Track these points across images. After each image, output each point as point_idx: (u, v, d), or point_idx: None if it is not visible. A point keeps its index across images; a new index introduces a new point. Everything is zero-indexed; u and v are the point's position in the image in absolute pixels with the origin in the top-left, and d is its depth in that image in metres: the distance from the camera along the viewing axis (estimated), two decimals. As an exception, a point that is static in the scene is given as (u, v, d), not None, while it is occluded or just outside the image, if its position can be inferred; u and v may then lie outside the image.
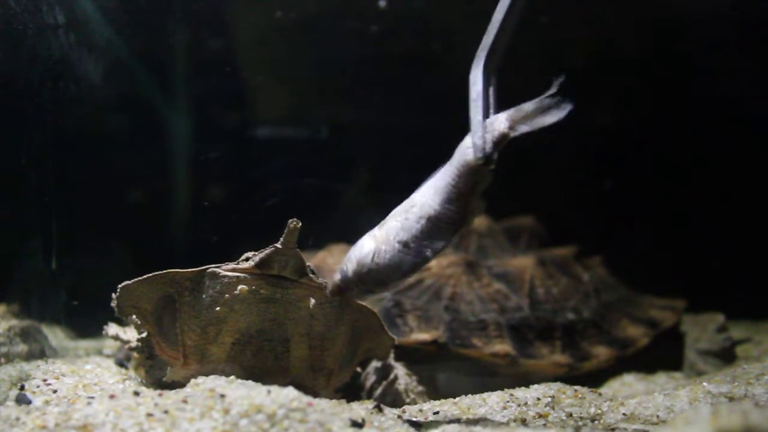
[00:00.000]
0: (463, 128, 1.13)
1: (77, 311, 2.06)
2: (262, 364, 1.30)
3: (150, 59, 2.38)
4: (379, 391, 1.58)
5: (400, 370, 1.65)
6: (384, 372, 1.60)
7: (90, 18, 2.09)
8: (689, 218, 2.58)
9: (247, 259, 1.30)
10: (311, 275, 1.31)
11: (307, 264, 1.31)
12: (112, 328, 1.68)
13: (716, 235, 2.53)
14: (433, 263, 1.88)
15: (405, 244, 1.14)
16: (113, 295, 1.40)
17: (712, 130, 2.59)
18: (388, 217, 1.20)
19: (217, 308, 1.28)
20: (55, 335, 1.98)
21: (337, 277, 1.24)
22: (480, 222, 2.17)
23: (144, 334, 1.43)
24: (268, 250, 1.27)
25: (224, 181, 2.51)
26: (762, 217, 2.50)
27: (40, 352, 1.78)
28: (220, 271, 1.29)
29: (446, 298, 1.80)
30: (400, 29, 2.55)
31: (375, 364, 1.62)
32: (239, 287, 1.27)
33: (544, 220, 2.33)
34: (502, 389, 1.42)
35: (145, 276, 1.33)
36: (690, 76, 2.61)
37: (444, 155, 1.17)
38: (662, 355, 1.99)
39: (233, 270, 1.29)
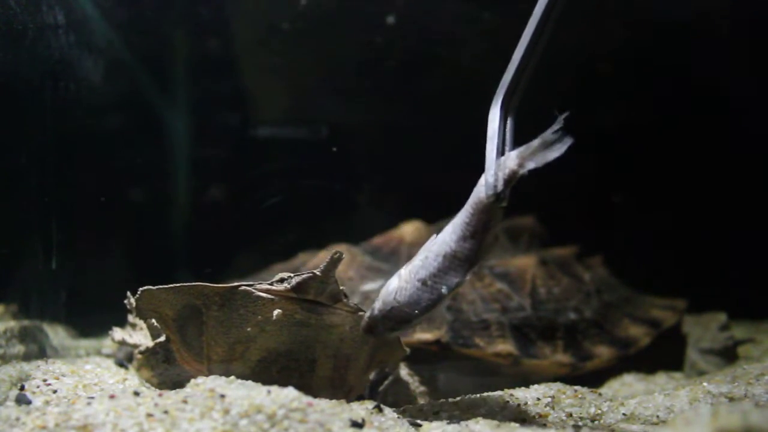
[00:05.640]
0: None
1: (77, 311, 2.06)
2: (285, 381, 1.27)
3: (150, 59, 2.38)
4: (380, 390, 1.58)
5: (402, 370, 1.65)
6: (386, 372, 1.60)
7: (90, 18, 2.09)
8: (690, 218, 2.58)
9: (281, 281, 1.28)
10: (345, 300, 1.31)
11: (341, 288, 1.31)
12: (117, 333, 1.66)
13: (717, 235, 2.53)
14: None
15: (423, 282, 1.18)
16: (129, 295, 1.38)
17: (713, 129, 2.59)
18: (415, 256, 1.23)
19: (248, 328, 1.27)
20: (56, 335, 1.98)
21: (367, 315, 1.27)
22: None
23: (162, 339, 1.41)
24: (305, 275, 1.26)
25: (224, 182, 2.51)
26: (763, 217, 2.50)
27: (40, 352, 1.78)
28: (255, 291, 1.27)
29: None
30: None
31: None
32: (275, 311, 1.25)
33: (543, 220, 2.33)
34: (502, 389, 1.41)
35: (170, 285, 1.30)
36: (691, 76, 2.61)
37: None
38: (663, 355, 1.99)
39: (268, 291, 1.27)
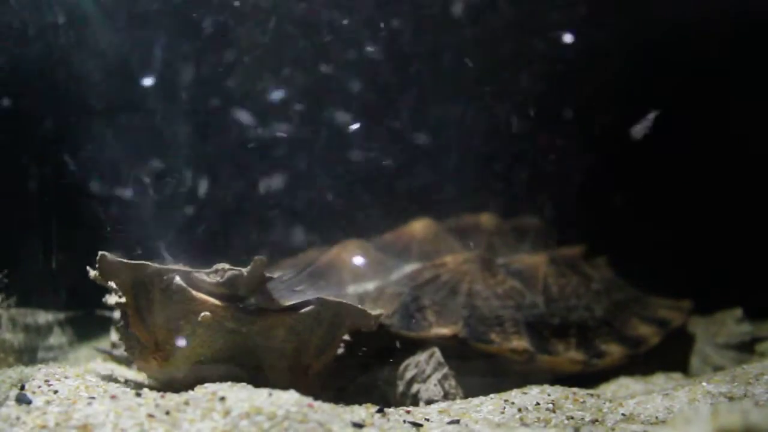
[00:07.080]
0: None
1: (77, 312, 2.06)
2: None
3: (150, 58, 2.38)
4: (431, 384, 1.56)
5: (421, 356, 1.62)
6: (437, 366, 1.59)
7: (90, 18, 2.09)
8: (695, 219, 2.57)
9: (216, 272, 1.27)
10: (276, 300, 1.28)
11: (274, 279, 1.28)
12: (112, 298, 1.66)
13: (717, 235, 2.53)
14: (449, 259, 1.88)
15: None
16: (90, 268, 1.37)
17: (718, 127, 2.58)
18: None
19: (181, 322, 1.26)
20: (56, 336, 1.98)
21: None
22: (489, 220, 2.17)
23: (123, 300, 1.38)
24: (234, 272, 1.25)
25: (227, 182, 2.51)
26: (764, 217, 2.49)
27: (40, 352, 1.78)
28: (189, 289, 1.26)
29: (463, 294, 1.79)
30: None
31: (424, 356, 1.60)
32: (202, 314, 1.24)
33: (545, 220, 2.34)
34: (507, 391, 1.42)
35: (121, 259, 1.29)
36: (692, 75, 2.60)
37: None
38: (662, 357, 1.98)
39: (201, 284, 1.26)
